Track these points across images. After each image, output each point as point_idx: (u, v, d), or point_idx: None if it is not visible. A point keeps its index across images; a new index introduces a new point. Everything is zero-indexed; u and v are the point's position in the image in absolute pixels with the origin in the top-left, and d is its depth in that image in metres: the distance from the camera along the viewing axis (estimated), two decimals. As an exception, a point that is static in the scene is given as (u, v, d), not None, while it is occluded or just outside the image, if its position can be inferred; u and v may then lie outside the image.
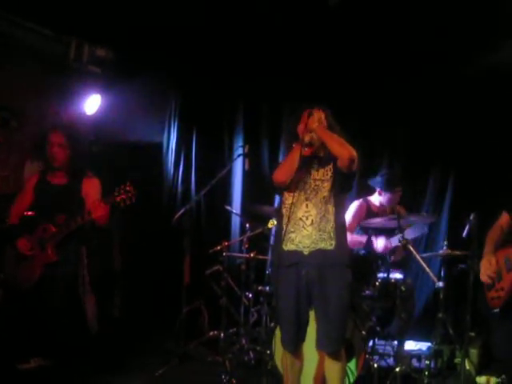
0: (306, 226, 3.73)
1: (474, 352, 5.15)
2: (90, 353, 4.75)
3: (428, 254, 5.35)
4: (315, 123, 3.75)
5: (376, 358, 4.79)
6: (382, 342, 5.33)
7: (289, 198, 3.82)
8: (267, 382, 4.57)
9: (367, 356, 4.50)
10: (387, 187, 5.40)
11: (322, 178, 3.80)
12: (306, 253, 3.72)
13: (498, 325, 3.99)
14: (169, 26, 5.60)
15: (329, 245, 3.71)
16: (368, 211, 5.48)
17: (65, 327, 4.56)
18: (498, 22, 5.13)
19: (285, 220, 3.78)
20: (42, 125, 5.28)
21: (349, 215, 5.46)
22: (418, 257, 5.15)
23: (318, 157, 3.87)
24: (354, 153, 3.69)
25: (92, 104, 5.76)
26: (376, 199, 5.52)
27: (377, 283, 4.84)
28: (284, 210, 3.84)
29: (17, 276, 4.63)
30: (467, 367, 4.89)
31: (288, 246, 3.77)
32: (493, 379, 4.88)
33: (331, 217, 3.75)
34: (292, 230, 3.76)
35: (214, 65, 5.98)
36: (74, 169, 4.81)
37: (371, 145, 6.16)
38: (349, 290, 3.78)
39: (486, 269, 3.87)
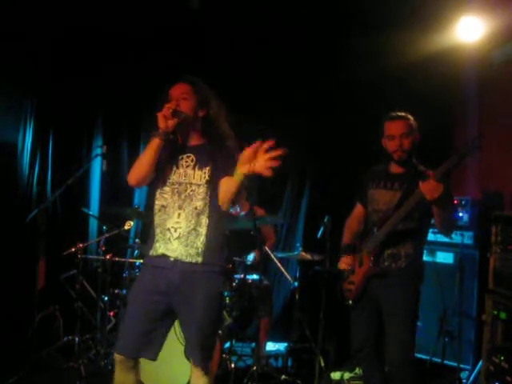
0: (172, 239, 3.21)
1: (329, 349, 5.34)
2: None
3: (284, 256, 5.51)
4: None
5: (234, 358, 4.83)
6: (241, 344, 5.41)
7: (160, 198, 3.27)
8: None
9: (224, 356, 4.52)
10: None
11: (198, 181, 3.22)
12: (171, 259, 3.21)
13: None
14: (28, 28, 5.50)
15: (194, 261, 3.18)
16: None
17: None
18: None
19: (155, 224, 3.30)
20: None
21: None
22: (274, 258, 5.30)
23: (191, 149, 3.27)
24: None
25: None
26: None
27: (234, 284, 4.90)
28: (156, 211, 3.30)
29: None
30: (322, 364, 5.06)
31: (152, 253, 3.26)
32: (346, 374, 5.10)
33: (203, 230, 3.21)
34: (157, 238, 3.25)
35: (71, 64, 5.81)
36: None
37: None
38: (219, 298, 3.29)
39: (345, 264, 3.91)
